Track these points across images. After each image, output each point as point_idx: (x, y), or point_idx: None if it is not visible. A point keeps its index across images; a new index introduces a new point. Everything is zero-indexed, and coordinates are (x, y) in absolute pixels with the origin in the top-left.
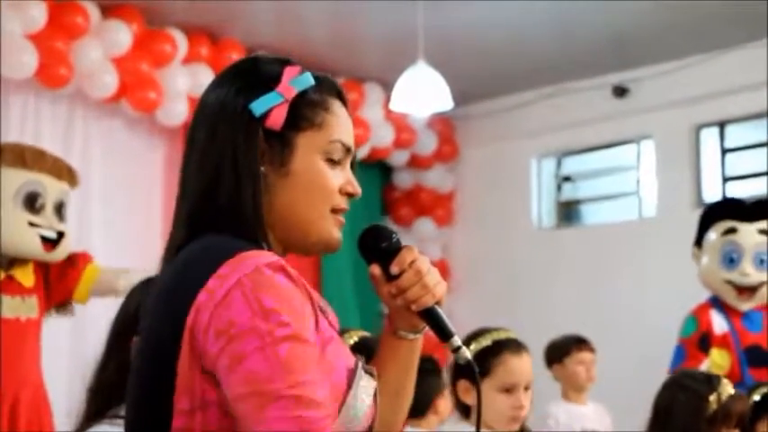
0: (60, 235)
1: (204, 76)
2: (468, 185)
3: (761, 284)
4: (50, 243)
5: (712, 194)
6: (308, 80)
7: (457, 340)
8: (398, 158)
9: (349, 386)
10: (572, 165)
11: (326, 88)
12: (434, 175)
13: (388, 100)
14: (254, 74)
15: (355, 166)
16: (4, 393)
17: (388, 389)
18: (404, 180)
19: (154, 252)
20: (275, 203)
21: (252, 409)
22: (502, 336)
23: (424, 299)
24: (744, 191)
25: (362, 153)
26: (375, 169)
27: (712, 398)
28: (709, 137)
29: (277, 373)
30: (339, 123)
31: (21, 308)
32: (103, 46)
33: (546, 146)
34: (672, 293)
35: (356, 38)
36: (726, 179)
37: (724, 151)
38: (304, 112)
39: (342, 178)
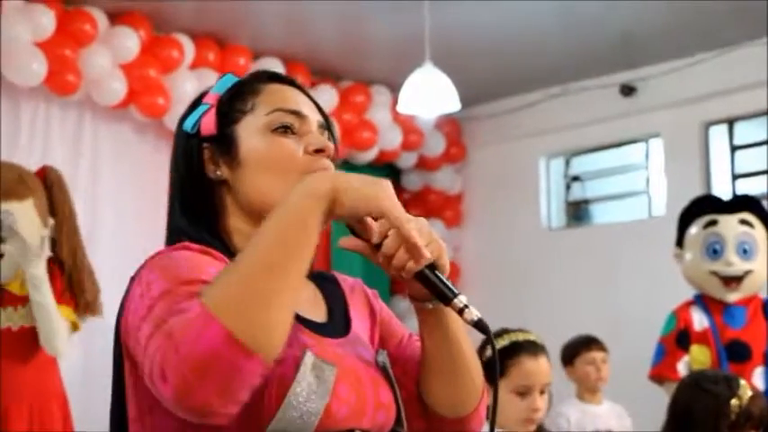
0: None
1: (211, 82)
2: (476, 186)
3: (746, 274)
4: None
5: (722, 192)
6: (229, 80)
7: (461, 300)
8: (406, 160)
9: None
10: (581, 164)
11: (253, 78)
12: (443, 176)
13: (395, 102)
14: (195, 99)
15: (333, 131)
16: None
17: (433, 365)
18: (412, 182)
19: None
20: (243, 197)
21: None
22: (520, 337)
23: (409, 265)
24: (753, 188)
25: (371, 156)
26: (383, 171)
27: (734, 402)
28: (718, 134)
29: (146, 333)
30: (274, 97)
31: (12, 318)
32: (111, 52)
33: (554, 146)
34: (683, 292)
35: (363, 41)
36: (735, 176)
37: (733, 149)
38: (233, 105)
39: (302, 141)
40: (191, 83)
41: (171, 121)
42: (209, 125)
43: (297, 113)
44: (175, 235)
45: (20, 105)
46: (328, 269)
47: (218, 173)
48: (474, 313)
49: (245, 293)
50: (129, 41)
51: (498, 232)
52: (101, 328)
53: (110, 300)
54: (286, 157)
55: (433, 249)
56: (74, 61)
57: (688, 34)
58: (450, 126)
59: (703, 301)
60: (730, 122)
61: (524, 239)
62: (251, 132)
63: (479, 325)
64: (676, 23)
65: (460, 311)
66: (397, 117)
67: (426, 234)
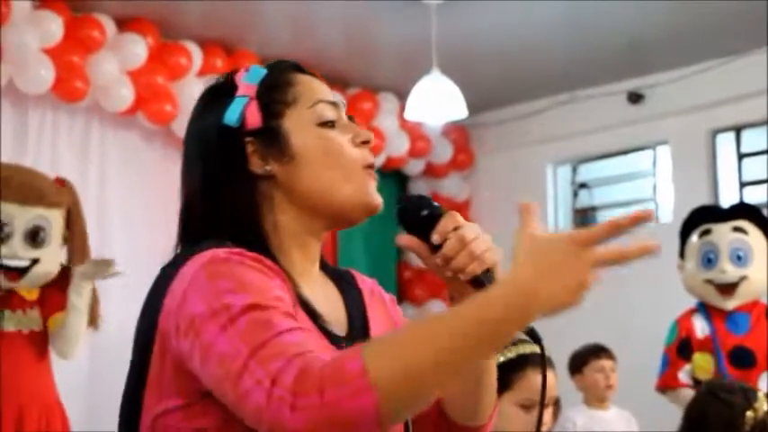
0: (35, 261)
1: None
2: (483, 193)
3: (741, 280)
4: (16, 272)
5: (729, 199)
6: (260, 71)
7: None
8: (414, 167)
9: None
10: (588, 171)
11: (281, 68)
12: (450, 183)
13: (402, 109)
14: (212, 92)
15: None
16: (6, 405)
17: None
18: (420, 189)
19: None
20: (297, 192)
21: (231, 390)
22: (527, 350)
23: (470, 267)
24: (760, 195)
25: (378, 163)
26: (391, 178)
27: (749, 413)
28: (726, 142)
29: (240, 348)
30: (310, 88)
31: (22, 321)
32: (119, 59)
33: (561, 153)
34: (689, 299)
35: (370, 48)
36: (742, 184)
37: (740, 156)
38: (273, 97)
39: (347, 133)
40: (198, 89)
41: (179, 128)
42: (254, 118)
43: (335, 104)
44: (204, 233)
45: (27, 113)
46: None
47: (267, 168)
48: None
49: (413, 382)
50: (137, 48)
51: (505, 239)
52: (105, 332)
53: (119, 304)
54: (338, 150)
55: (492, 255)
56: (81, 68)
57: (695, 42)
58: (458, 133)
59: (705, 308)
60: (737, 130)
61: None
62: (298, 125)
63: (532, 334)
64: (684, 31)
65: None
66: (404, 124)
67: (483, 240)
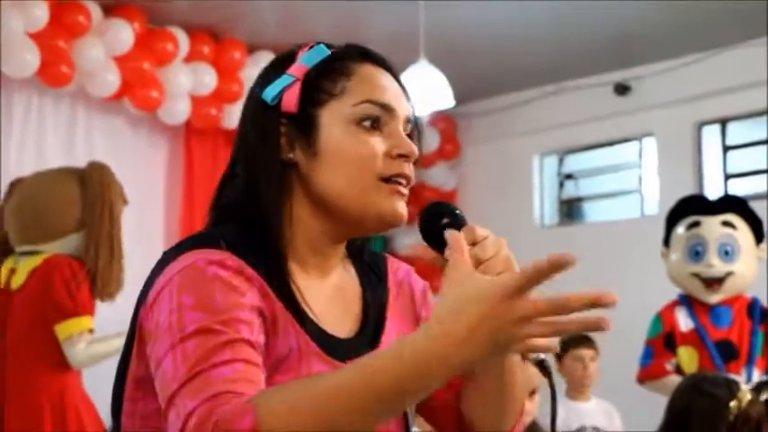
0: None
1: (206, 75)
2: (470, 183)
3: (727, 275)
4: None
5: (714, 191)
6: (320, 52)
7: None
8: None
9: None
10: (574, 162)
11: (346, 54)
12: (436, 173)
13: None
14: (272, 63)
15: (419, 129)
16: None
17: (483, 383)
18: None
19: (156, 249)
20: (313, 188)
21: (164, 412)
22: None
23: None
24: (745, 188)
25: None
26: None
27: (733, 404)
28: (711, 134)
29: (177, 373)
30: (365, 84)
31: None
32: (105, 45)
33: (548, 143)
34: (674, 290)
35: (357, 36)
36: (727, 176)
37: (725, 148)
38: (320, 84)
39: (386, 142)
40: (185, 76)
41: (165, 115)
42: (290, 101)
43: (386, 107)
44: (226, 211)
45: (13, 97)
46: None
47: (291, 155)
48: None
49: None
50: (124, 33)
51: (491, 229)
52: (100, 328)
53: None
54: (367, 157)
55: (507, 269)
56: (67, 53)
57: (682, 34)
58: (445, 123)
59: (688, 301)
60: (723, 122)
61: (517, 237)
62: (335, 120)
63: (542, 365)
64: (671, 23)
65: None
66: None
67: (500, 260)
